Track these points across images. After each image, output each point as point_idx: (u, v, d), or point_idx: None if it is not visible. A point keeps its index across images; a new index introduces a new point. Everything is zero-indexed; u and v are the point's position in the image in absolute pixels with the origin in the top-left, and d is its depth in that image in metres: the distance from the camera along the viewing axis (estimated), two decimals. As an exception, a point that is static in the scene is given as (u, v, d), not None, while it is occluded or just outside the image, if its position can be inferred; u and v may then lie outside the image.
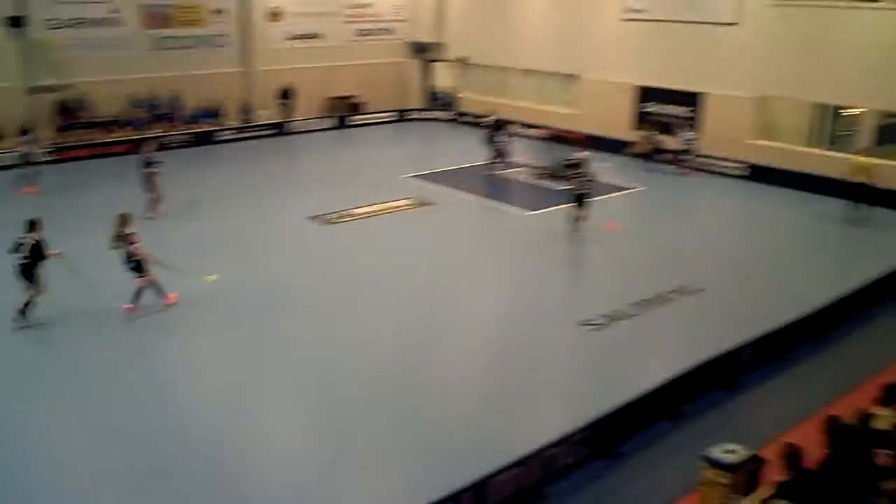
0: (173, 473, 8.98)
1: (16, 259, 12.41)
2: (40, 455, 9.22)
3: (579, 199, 17.19)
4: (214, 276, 13.82)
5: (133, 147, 23.29)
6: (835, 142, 21.77)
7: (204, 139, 26.78)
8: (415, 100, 33.62)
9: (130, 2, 26.31)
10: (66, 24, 25.06)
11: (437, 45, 32.61)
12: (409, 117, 31.96)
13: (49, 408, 10.25)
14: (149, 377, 11.14)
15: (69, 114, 25.56)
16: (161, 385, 10.95)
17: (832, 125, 21.96)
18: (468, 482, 7.79)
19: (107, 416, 10.13)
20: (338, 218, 18.46)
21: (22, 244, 12.44)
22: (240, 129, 27.93)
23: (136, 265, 12.86)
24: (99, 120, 25.91)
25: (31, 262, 12.45)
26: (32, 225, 12.62)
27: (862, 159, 18.39)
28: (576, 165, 21.48)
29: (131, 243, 12.79)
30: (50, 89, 24.73)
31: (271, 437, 9.90)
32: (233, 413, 10.25)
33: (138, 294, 12.95)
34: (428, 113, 32.29)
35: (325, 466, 9.17)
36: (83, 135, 25.34)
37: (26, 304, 12.47)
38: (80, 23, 25.35)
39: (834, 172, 19.69)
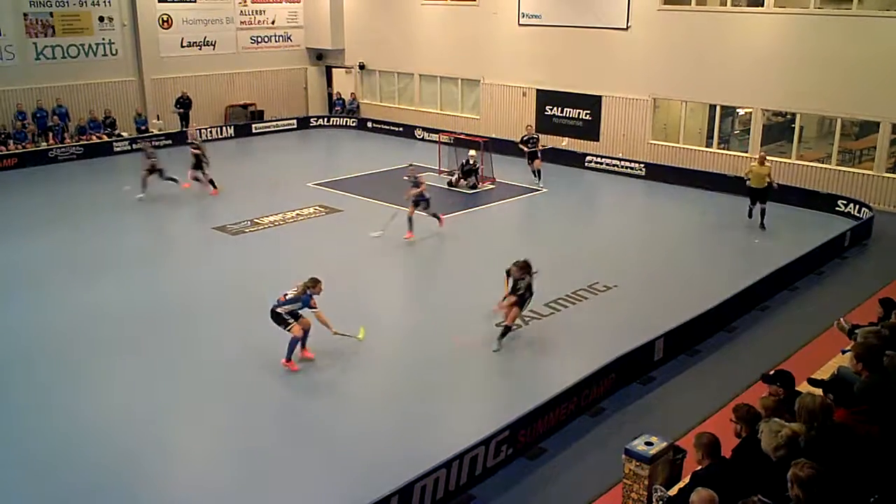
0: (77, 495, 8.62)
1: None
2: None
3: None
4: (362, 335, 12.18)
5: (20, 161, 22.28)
6: (730, 140, 22.77)
7: (96, 151, 25.71)
8: (315, 107, 33.27)
9: (9, 9, 25.03)
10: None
11: (335, 52, 32.41)
12: (311, 125, 31.58)
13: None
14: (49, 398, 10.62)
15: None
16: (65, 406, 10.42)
17: (730, 125, 22.94)
18: (392, 488, 7.71)
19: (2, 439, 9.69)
20: (245, 228, 18.06)
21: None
22: (135, 140, 26.92)
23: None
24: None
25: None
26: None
27: (757, 166, 17.74)
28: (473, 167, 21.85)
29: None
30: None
31: (181, 456, 9.59)
32: (139, 432, 9.85)
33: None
34: (329, 120, 32.00)
35: (238, 484, 8.89)
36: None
37: None
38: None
39: (726, 169, 20.63)
